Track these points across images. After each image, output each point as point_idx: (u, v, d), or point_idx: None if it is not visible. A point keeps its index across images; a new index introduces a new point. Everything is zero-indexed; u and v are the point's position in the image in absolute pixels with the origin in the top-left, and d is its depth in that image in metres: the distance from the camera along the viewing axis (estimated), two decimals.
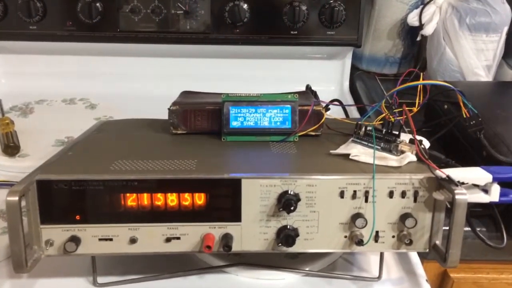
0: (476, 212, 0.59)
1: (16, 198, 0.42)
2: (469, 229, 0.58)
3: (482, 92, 0.77)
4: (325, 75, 1.01)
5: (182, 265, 0.56)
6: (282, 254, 0.58)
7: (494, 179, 0.44)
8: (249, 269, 0.56)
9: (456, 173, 0.45)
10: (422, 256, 0.60)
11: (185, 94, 0.68)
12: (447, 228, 0.46)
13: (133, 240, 0.47)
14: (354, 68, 1.04)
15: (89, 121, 0.74)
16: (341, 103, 0.73)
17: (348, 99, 0.98)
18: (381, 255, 0.55)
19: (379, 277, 0.55)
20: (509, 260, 0.62)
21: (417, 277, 0.56)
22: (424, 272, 0.57)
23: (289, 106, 0.58)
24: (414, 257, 0.59)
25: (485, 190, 0.45)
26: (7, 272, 0.55)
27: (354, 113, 0.88)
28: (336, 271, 0.57)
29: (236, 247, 0.48)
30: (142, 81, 0.98)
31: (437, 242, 0.49)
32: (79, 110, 0.92)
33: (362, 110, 0.87)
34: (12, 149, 0.75)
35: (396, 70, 1.02)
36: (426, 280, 0.56)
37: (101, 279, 0.54)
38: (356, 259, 0.60)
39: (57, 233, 0.47)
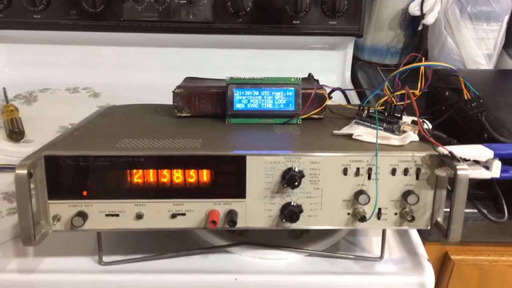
0: (479, 194, 0.59)
1: (25, 171, 0.42)
2: (470, 210, 0.59)
3: (483, 79, 0.78)
4: (327, 65, 1.01)
5: (186, 245, 0.57)
6: (285, 234, 0.59)
7: (496, 155, 0.45)
8: (252, 248, 0.56)
9: (458, 150, 0.46)
10: (423, 237, 0.60)
11: (189, 79, 0.68)
12: (448, 210, 0.47)
13: (139, 216, 0.48)
14: (355, 59, 1.05)
15: (92, 109, 0.74)
16: (342, 91, 0.74)
17: (348, 90, 0.98)
18: (383, 235, 0.56)
19: (381, 257, 0.56)
20: (509, 242, 0.63)
21: (418, 257, 0.57)
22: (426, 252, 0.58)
23: (292, 88, 0.58)
24: (415, 237, 0.60)
25: (487, 166, 0.46)
26: (13, 252, 0.56)
27: (356, 102, 0.88)
28: (339, 252, 0.58)
29: (240, 223, 0.49)
30: (145, 71, 0.99)
31: (439, 219, 0.49)
32: (83, 99, 0.93)
33: (363, 97, 0.87)
34: (17, 134, 0.75)
35: (397, 61, 1.02)
36: (428, 260, 0.56)
37: (106, 258, 0.54)
38: (358, 240, 0.60)
39: (64, 209, 0.47)
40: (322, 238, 0.58)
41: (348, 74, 1.03)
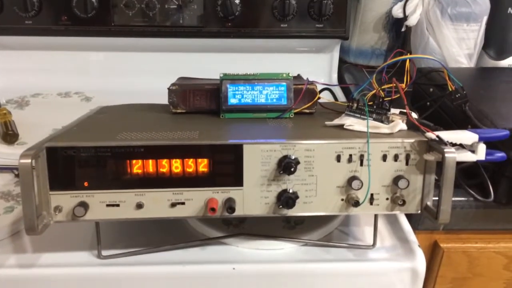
0: (465, 182, 0.62)
1: (29, 161, 0.43)
2: (458, 198, 0.62)
3: (465, 76, 0.81)
4: (314, 67, 1.04)
5: (183, 238, 0.58)
6: (280, 225, 0.61)
7: (480, 139, 0.48)
8: (248, 239, 0.58)
9: (445, 134, 0.48)
10: (413, 227, 0.63)
11: (183, 78, 0.70)
12: (437, 198, 0.49)
13: (139, 206, 0.49)
14: (341, 61, 1.08)
15: (85, 112, 0.75)
16: (330, 90, 0.77)
17: (336, 91, 1.00)
18: (375, 223, 0.58)
19: (373, 245, 0.58)
20: (495, 229, 0.65)
21: (409, 243, 0.59)
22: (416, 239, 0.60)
23: (284, 83, 0.60)
24: (406, 225, 0.62)
25: (472, 150, 0.48)
26: (12, 248, 0.56)
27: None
28: (333, 241, 0.59)
29: (238, 211, 0.50)
30: (136, 75, 1.00)
31: (428, 203, 0.52)
32: (75, 103, 0.94)
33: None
34: (11, 137, 0.76)
35: (382, 62, 1.05)
36: (418, 246, 0.58)
37: (105, 252, 0.55)
38: (351, 230, 0.62)
39: (65, 199, 0.48)
40: (316, 228, 0.60)
41: (335, 76, 1.06)
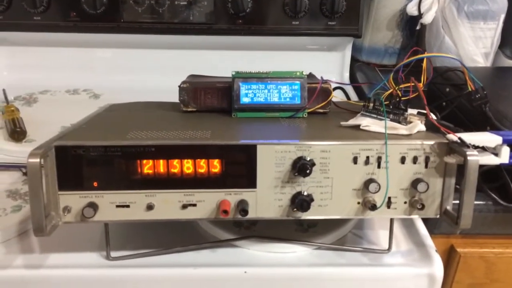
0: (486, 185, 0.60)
1: (37, 160, 0.42)
2: (476, 202, 0.60)
3: (482, 76, 0.79)
4: (325, 66, 1.02)
5: (193, 239, 0.57)
6: (293, 227, 0.59)
7: (504, 141, 0.46)
8: (260, 242, 0.56)
9: (468, 136, 0.46)
10: (429, 231, 0.61)
11: (193, 76, 0.69)
12: (457, 202, 0.47)
13: (149, 207, 0.48)
14: (353, 60, 1.06)
15: (94, 110, 0.74)
16: (343, 90, 0.75)
17: (348, 90, 0.99)
18: (391, 226, 0.56)
19: (389, 249, 0.56)
20: None
21: (426, 248, 0.57)
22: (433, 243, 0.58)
23: (298, 82, 0.59)
24: (422, 229, 0.60)
25: (495, 153, 0.47)
26: (19, 248, 0.55)
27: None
28: (346, 244, 0.58)
29: (251, 214, 0.49)
30: (145, 72, 0.99)
31: (448, 207, 0.50)
32: (83, 100, 0.93)
33: (363, 96, 0.88)
34: (19, 134, 0.75)
35: (395, 61, 1.04)
36: (436, 251, 0.57)
37: (114, 253, 0.54)
38: (365, 233, 0.60)
39: (74, 200, 0.47)
40: (330, 231, 0.58)
41: (346, 74, 1.04)
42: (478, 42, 0.87)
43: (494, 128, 0.61)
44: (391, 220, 0.55)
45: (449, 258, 0.65)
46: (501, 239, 0.64)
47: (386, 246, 0.57)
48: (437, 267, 0.54)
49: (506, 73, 0.84)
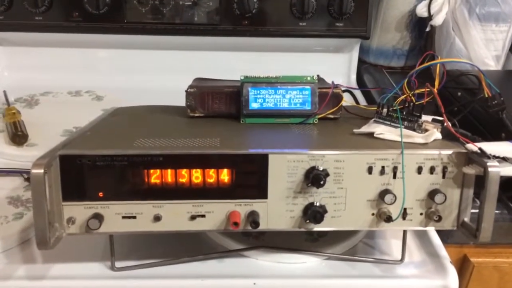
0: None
1: (41, 171, 0.40)
2: None
3: (494, 80, 0.77)
4: (332, 68, 1.00)
5: (201, 249, 0.55)
6: (302, 237, 0.58)
7: None
8: (269, 252, 0.55)
9: (488, 146, 0.45)
10: (442, 239, 0.59)
11: (199, 79, 0.67)
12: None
13: (157, 218, 0.46)
14: (361, 62, 1.04)
15: (96, 112, 0.72)
16: (351, 93, 0.73)
17: (356, 92, 0.97)
18: (404, 237, 0.54)
19: (401, 260, 0.55)
20: None
21: (440, 259, 0.56)
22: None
23: (309, 87, 0.57)
24: (435, 239, 0.59)
25: None
26: (21, 258, 0.53)
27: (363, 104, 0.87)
28: (357, 255, 0.56)
29: (262, 225, 0.47)
30: (148, 74, 0.97)
31: (466, 219, 0.48)
32: (86, 102, 0.91)
33: (373, 101, 0.86)
34: (20, 138, 0.73)
35: (403, 63, 1.02)
36: (450, 262, 0.55)
37: (118, 264, 0.52)
38: (377, 243, 0.59)
39: (79, 211, 0.45)
40: (340, 241, 0.57)
41: (353, 77, 1.02)
42: (490, 44, 0.86)
43: (509, 135, 0.59)
44: (405, 231, 0.54)
45: (462, 268, 0.64)
46: None
47: (399, 257, 0.55)
48: (452, 279, 0.53)
49: None
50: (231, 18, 0.91)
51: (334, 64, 1.01)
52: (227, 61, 0.98)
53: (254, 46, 0.97)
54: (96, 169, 0.44)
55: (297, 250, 0.55)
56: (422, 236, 0.59)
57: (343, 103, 0.60)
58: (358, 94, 0.95)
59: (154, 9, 0.90)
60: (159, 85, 0.94)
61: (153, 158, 0.45)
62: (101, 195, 0.45)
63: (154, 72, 0.98)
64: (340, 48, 1.00)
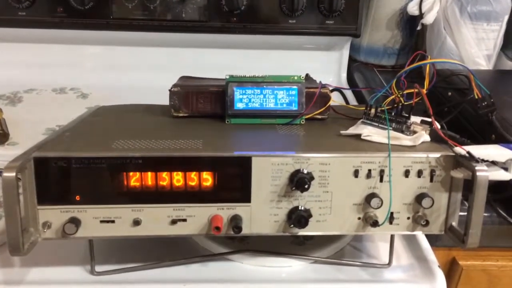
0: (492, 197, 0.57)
1: (13, 174, 0.39)
2: None
3: (485, 80, 0.76)
4: (322, 66, 0.99)
5: (184, 253, 0.54)
6: (288, 240, 0.56)
7: None
8: (254, 256, 0.54)
9: (476, 150, 0.43)
10: (430, 242, 0.58)
11: (185, 78, 0.65)
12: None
13: (136, 222, 0.45)
14: (351, 60, 1.03)
15: (81, 110, 0.70)
16: (341, 92, 0.72)
17: (346, 91, 0.96)
18: (391, 241, 0.53)
19: (389, 264, 0.54)
20: None
21: (428, 263, 0.55)
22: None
23: (296, 87, 0.56)
24: (424, 242, 0.58)
25: (505, 167, 0.44)
26: None
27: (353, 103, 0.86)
28: (345, 258, 0.55)
29: (245, 230, 0.46)
30: (135, 71, 0.96)
31: (453, 223, 0.47)
32: (70, 100, 0.89)
33: (363, 99, 0.85)
34: (1, 137, 0.71)
35: (394, 62, 1.01)
36: (438, 266, 0.54)
37: (98, 268, 0.51)
38: (365, 246, 0.58)
39: (55, 215, 0.44)
40: (327, 244, 0.56)
41: (344, 75, 1.01)
42: (481, 43, 0.85)
43: (499, 137, 0.58)
44: (392, 234, 0.52)
45: (451, 271, 0.63)
46: (505, 251, 0.62)
47: (386, 260, 0.54)
48: (440, 284, 0.52)
49: (509, 76, 0.81)
50: (219, 15, 0.90)
51: (324, 62, 1.00)
52: (216, 58, 0.97)
53: (243, 43, 0.96)
54: (73, 171, 0.43)
55: (283, 254, 0.54)
56: (410, 239, 0.58)
57: (332, 102, 0.59)
58: (348, 92, 0.94)
59: (141, 5, 0.88)
60: (146, 82, 0.92)
61: (132, 160, 0.43)
62: (78, 199, 0.44)
63: (141, 69, 0.96)
64: (330, 46, 0.98)
